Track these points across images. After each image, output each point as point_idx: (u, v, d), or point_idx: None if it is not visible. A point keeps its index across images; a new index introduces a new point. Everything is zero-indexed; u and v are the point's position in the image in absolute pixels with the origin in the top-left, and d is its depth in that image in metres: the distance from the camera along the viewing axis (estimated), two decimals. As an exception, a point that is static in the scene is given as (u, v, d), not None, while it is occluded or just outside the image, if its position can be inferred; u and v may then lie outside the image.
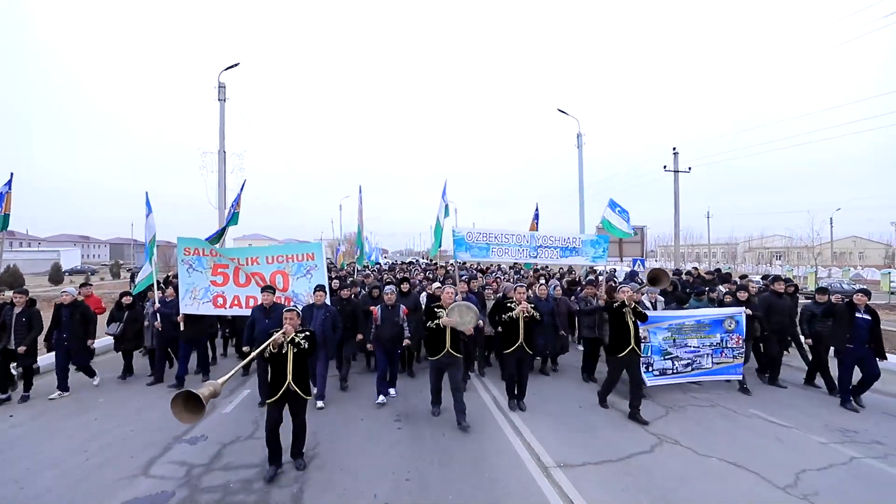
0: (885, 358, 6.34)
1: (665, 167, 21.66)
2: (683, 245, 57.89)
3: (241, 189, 10.46)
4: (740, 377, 6.95)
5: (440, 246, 11.77)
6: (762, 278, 11.77)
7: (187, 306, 7.37)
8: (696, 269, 14.35)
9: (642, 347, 6.30)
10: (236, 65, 17.18)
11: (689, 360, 6.84)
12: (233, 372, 3.79)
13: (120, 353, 7.87)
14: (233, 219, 10.07)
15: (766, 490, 4.09)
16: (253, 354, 4.29)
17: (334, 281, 8.74)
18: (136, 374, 7.90)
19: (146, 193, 8.26)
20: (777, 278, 7.86)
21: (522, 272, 13.59)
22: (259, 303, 6.54)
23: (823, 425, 5.61)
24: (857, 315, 6.21)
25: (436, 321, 5.55)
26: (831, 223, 52.00)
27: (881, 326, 6.38)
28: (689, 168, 21.92)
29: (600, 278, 9.71)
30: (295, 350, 4.38)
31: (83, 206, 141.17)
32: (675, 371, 6.77)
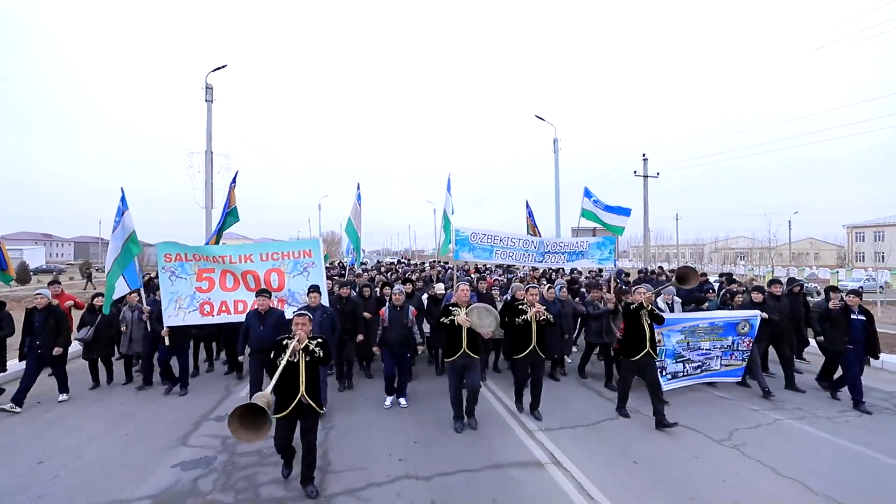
0: (878, 357, 6.72)
1: (635, 172, 23.03)
2: (654, 246, 60.64)
3: (234, 181, 9.92)
4: (739, 379, 6.96)
5: (451, 243, 11.42)
6: (720, 276, 13.03)
7: (172, 318, 6.77)
8: (661, 268, 15.57)
9: (657, 351, 6.21)
10: (223, 66, 17.49)
11: (700, 363, 6.78)
12: (272, 384, 3.73)
13: (88, 361, 7.22)
14: (231, 215, 9.65)
15: (706, 442, 5.13)
16: (280, 366, 3.82)
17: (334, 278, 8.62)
18: (104, 385, 7.30)
19: (122, 189, 7.31)
20: (775, 281, 7.61)
21: (520, 273, 13.37)
22: (252, 307, 6.22)
23: (757, 396, 6.66)
24: (853, 316, 6.37)
25: (450, 317, 5.38)
26: (789, 226, 55.49)
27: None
28: (658, 173, 23.42)
29: (600, 279, 9.70)
30: (308, 358, 4.00)
31: (44, 202, 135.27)
32: (685, 374, 6.71)
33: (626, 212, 10.08)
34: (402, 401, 6.32)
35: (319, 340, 4.12)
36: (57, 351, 6.38)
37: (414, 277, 11.33)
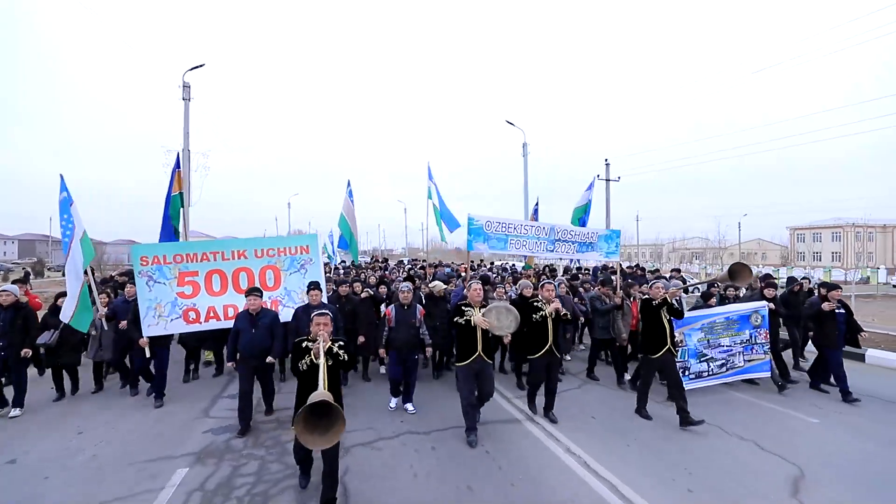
0: (860, 346, 7.17)
1: (598, 176, 24.61)
2: (616, 245, 63.83)
3: (177, 165, 9.50)
4: (769, 374, 6.86)
5: (457, 226, 11.11)
6: (672, 271, 14.44)
7: (151, 327, 6.18)
8: (637, 265, 16.81)
9: (679, 352, 6.20)
10: (201, 65, 17.67)
11: (724, 360, 6.67)
12: (322, 382, 3.38)
13: (52, 369, 6.49)
14: (173, 203, 9.23)
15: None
16: (322, 372, 3.46)
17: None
18: (68, 395, 6.58)
19: (61, 176, 6.62)
20: (767, 277, 7.63)
21: (517, 272, 13.12)
22: (243, 309, 5.65)
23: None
24: (837, 311, 6.63)
25: (465, 318, 5.01)
26: (739, 227, 59.46)
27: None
28: (619, 177, 25.11)
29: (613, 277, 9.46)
30: (330, 362, 3.65)
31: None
32: (710, 373, 6.60)
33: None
34: (410, 406, 5.95)
35: (341, 343, 3.85)
36: (25, 353, 5.86)
37: (394, 277, 11.70)
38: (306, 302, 6.11)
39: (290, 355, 5.36)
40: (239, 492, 4.01)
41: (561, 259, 13.19)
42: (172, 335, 6.60)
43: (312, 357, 3.65)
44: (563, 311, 5.49)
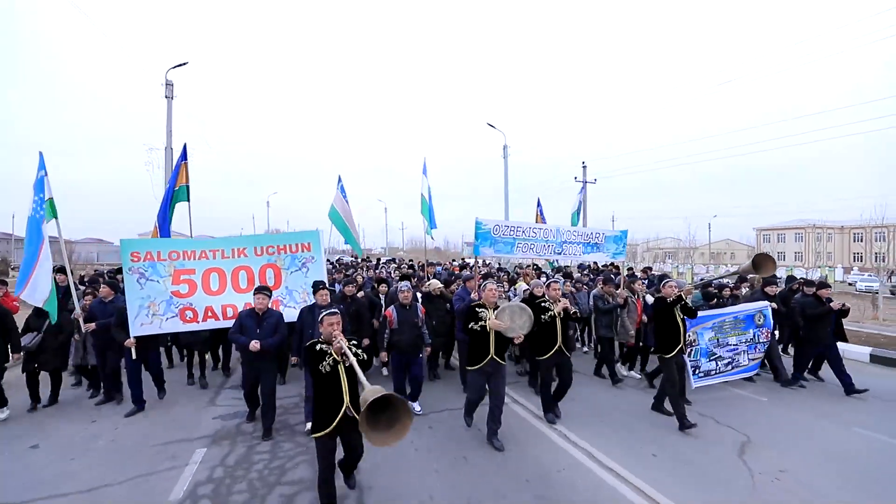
0: (847, 340, 7.54)
1: (575, 178, 25.55)
2: (593, 245, 65.74)
3: (184, 157, 9.04)
4: (756, 371, 7.19)
5: (434, 227, 11.50)
6: (643, 270, 15.31)
7: (145, 326, 5.87)
8: (594, 263, 17.69)
9: (693, 351, 6.32)
10: (184, 63, 17.69)
11: (730, 359, 6.75)
12: (362, 378, 3.22)
13: (25, 374, 5.97)
14: (176, 196, 8.95)
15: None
16: (363, 372, 3.31)
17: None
18: (49, 403, 6.17)
19: (40, 153, 6.24)
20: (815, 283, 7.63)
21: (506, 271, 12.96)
22: (248, 307, 5.54)
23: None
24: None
25: (480, 323, 4.86)
26: (709, 228, 61.93)
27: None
28: (595, 179, 26.13)
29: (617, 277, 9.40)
30: (348, 364, 3.48)
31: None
32: (717, 371, 6.69)
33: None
34: (417, 406, 5.83)
35: (355, 342, 3.70)
36: (15, 358, 5.68)
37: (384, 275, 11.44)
38: (307, 301, 6.13)
39: (292, 356, 5.84)
40: (258, 466, 4.44)
41: (571, 262, 13.37)
42: (160, 336, 6.32)
43: (335, 357, 3.49)
44: (574, 310, 5.49)
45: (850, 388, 6.60)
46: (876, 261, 33.21)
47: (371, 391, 2.90)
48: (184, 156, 9.08)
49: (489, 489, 4.08)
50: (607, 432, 5.27)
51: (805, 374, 7.25)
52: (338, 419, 3.44)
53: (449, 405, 5.99)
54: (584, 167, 25.51)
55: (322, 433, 3.45)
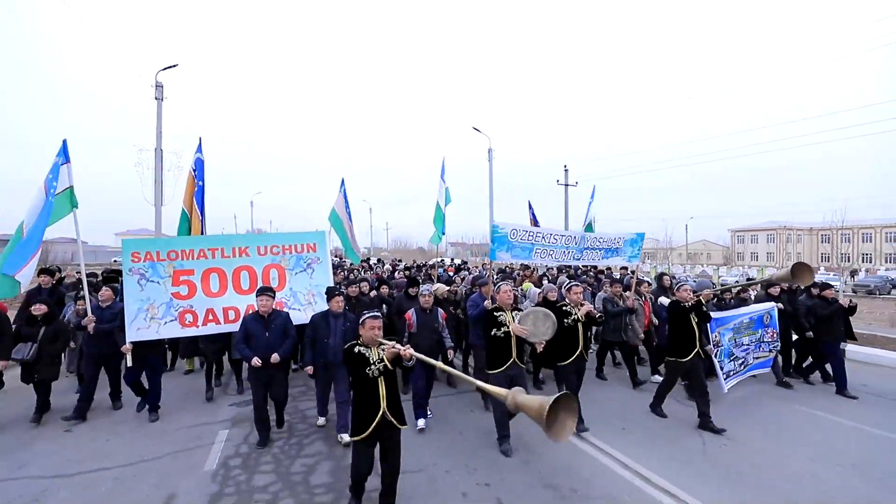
0: (856, 338, 7.65)
1: (558, 181, 26.47)
2: (576, 246, 67.17)
3: (198, 153, 8.73)
4: (769, 369, 7.24)
5: (444, 234, 11.03)
6: (621, 269, 15.96)
7: (141, 330, 5.65)
8: (594, 267, 18.13)
9: (718, 352, 6.39)
10: (175, 65, 17.89)
11: (744, 359, 6.89)
12: (469, 379, 3.52)
13: (31, 384, 5.64)
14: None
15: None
16: (448, 367, 3.50)
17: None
18: (54, 409, 5.90)
19: (64, 141, 6.06)
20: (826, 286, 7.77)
21: (507, 270, 12.73)
22: (247, 311, 5.48)
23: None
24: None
25: (504, 329, 4.81)
26: (686, 229, 64.00)
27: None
28: (577, 182, 27.05)
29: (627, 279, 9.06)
30: (390, 367, 3.48)
31: None
32: (735, 371, 6.76)
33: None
34: (428, 413, 5.67)
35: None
36: (2, 365, 5.43)
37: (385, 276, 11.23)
38: (311, 303, 6.16)
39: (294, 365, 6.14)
40: (279, 443, 4.99)
41: (587, 266, 13.14)
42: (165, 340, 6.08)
43: (387, 364, 3.44)
44: (598, 314, 5.44)
45: (842, 389, 6.82)
46: (841, 261, 35.22)
47: (536, 397, 2.97)
48: (198, 149, 8.91)
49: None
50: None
51: (795, 373, 7.63)
52: (375, 423, 3.42)
53: (444, 391, 6.62)
54: (566, 170, 26.40)
55: (359, 437, 3.45)
